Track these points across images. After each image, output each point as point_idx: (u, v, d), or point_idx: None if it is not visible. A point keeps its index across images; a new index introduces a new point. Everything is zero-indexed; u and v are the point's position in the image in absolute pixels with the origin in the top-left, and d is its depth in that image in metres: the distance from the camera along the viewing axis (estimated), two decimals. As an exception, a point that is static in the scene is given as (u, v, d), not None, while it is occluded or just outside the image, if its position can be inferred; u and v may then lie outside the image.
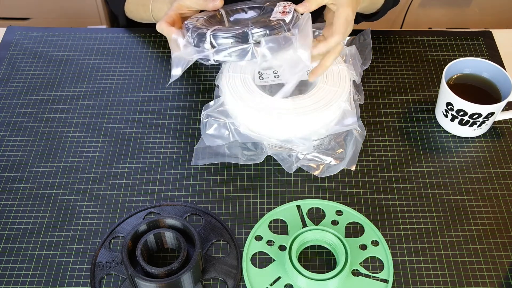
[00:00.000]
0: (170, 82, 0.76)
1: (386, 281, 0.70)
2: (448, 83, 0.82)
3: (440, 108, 0.84)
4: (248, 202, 0.77)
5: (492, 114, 0.79)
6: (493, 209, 0.77)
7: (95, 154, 0.83)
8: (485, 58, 0.91)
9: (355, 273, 0.70)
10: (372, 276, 0.70)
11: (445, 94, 0.81)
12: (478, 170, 0.81)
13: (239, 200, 0.77)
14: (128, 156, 0.82)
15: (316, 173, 0.79)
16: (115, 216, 0.76)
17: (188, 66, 0.72)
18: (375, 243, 0.73)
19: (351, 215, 0.76)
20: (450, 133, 0.85)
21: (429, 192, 0.78)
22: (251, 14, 0.77)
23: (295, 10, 0.72)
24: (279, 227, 0.75)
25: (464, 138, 0.84)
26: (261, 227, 0.75)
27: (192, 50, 0.70)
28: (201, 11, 0.78)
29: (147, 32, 0.99)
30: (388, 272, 0.70)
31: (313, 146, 0.78)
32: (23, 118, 0.87)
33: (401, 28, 1.80)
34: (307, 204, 0.77)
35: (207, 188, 0.79)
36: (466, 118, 0.80)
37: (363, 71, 0.85)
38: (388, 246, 0.73)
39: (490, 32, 0.99)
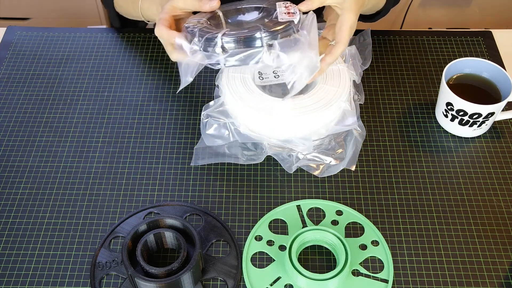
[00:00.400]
0: (180, 89, 0.74)
1: (386, 281, 0.70)
2: (448, 83, 0.82)
3: (440, 108, 0.84)
4: (248, 202, 0.77)
5: (492, 114, 0.79)
6: (493, 209, 0.77)
7: (95, 154, 0.83)
8: (485, 58, 0.91)
9: (355, 273, 0.70)
10: (372, 276, 0.70)
11: (445, 94, 0.81)
12: (478, 170, 0.81)
13: (239, 200, 0.77)
14: (128, 156, 0.82)
15: (316, 173, 0.79)
16: (115, 216, 0.76)
17: (198, 72, 0.71)
18: (375, 243, 0.73)
19: (351, 215, 0.76)
20: (450, 133, 0.85)
21: (429, 192, 0.78)
22: (251, 15, 0.76)
23: (299, 9, 0.71)
24: (279, 227, 0.75)
25: (464, 138, 0.84)
26: (261, 227, 0.75)
27: (202, 55, 0.68)
28: (195, 12, 0.76)
29: (147, 32, 0.99)
30: (388, 272, 0.71)
31: (313, 146, 0.78)
32: (23, 118, 0.87)
33: (401, 28, 1.80)
34: (307, 204, 0.77)
35: (207, 188, 0.79)
36: (466, 118, 0.80)
37: (363, 71, 0.85)
38: (388, 246, 0.73)
39: (490, 32, 0.99)
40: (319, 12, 1.16)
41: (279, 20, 0.70)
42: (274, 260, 0.72)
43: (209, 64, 0.69)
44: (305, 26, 0.70)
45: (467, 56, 0.95)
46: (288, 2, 0.73)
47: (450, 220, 0.76)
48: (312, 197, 0.78)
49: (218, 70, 0.83)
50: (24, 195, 0.78)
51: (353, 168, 0.80)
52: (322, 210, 0.76)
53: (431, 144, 0.84)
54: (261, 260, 0.72)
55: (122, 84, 0.91)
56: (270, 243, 0.73)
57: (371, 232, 0.74)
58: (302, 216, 0.76)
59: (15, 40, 0.99)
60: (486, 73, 0.84)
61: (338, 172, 0.80)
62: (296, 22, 0.70)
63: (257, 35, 0.67)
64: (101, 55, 0.96)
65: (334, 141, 0.80)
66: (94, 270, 0.71)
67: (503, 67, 0.92)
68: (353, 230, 0.75)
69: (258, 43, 0.67)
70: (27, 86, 0.91)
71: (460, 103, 0.79)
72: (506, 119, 0.86)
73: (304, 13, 0.72)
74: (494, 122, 0.85)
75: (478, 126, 0.82)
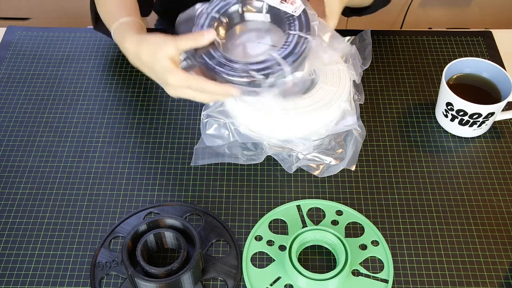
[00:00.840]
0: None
1: (386, 281, 0.70)
2: (448, 83, 0.82)
3: (440, 108, 0.84)
4: (248, 202, 0.77)
5: (492, 114, 0.79)
6: (493, 209, 0.77)
7: (95, 154, 0.83)
8: (485, 58, 0.91)
9: (355, 273, 0.70)
10: (372, 276, 0.70)
11: (445, 94, 0.81)
12: (478, 170, 0.81)
13: (239, 200, 0.77)
14: (128, 156, 0.82)
15: (316, 173, 0.79)
16: (115, 216, 0.76)
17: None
18: (375, 243, 0.73)
19: (351, 215, 0.76)
20: (450, 133, 0.85)
21: (429, 192, 0.78)
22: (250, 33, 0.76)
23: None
24: (279, 227, 0.75)
25: (464, 138, 0.84)
26: (261, 227, 0.75)
27: (244, 89, 0.68)
28: None
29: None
30: (388, 272, 0.70)
31: (313, 146, 0.78)
32: (23, 118, 0.87)
33: (401, 28, 1.80)
34: (307, 204, 0.77)
35: (207, 188, 0.79)
36: (466, 118, 0.80)
37: (363, 71, 0.85)
38: (388, 246, 0.73)
39: (490, 32, 0.99)
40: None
41: (290, 33, 0.70)
42: (274, 260, 0.72)
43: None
44: (308, 25, 0.71)
45: (467, 56, 0.95)
46: None
47: (450, 220, 0.76)
48: (312, 197, 0.78)
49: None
50: (24, 195, 0.78)
51: (353, 168, 0.80)
52: (322, 210, 0.76)
53: (431, 144, 0.84)
54: (261, 260, 0.72)
55: (122, 84, 0.91)
56: (270, 243, 0.73)
57: (371, 232, 0.74)
58: (302, 216, 0.76)
59: (15, 40, 0.99)
60: (486, 73, 0.84)
61: (338, 172, 0.80)
62: (299, 12, 0.71)
63: (276, 66, 0.67)
64: (101, 55, 0.96)
65: (334, 141, 0.80)
66: (94, 270, 0.71)
67: (503, 67, 0.92)
68: (353, 230, 0.75)
69: (280, 74, 0.68)
70: (27, 86, 0.91)
71: (460, 103, 0.79)
72: (506, 119, 0.86)
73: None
74: (494, 122, 0.85)
75: (478, 126, 0.82)
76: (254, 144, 0.80)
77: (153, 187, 0.79)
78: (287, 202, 0.77)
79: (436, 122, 0.86)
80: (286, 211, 0.76)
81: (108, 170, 0.81)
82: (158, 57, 0.67)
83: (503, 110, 0.83)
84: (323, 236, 0.71)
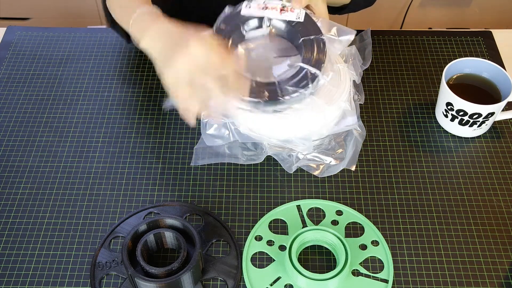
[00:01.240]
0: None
1: (386, 281, 0.70)
2: (448, 83, 0.82)
3: (440, 108, 0.84)
4: (248, 202, 0.77)
5: (492, 114, 0.79)
6: (493, 209, 0.77)
7: (95, 154, 0.83)
8: (485, 58, 0.91)
9: (355, 273, 0.70)
10: (372, 276, 0.70)
11: (445, 94, 0.81)
12: (478, 170, 0.81)
13: (239, 200, 0.77)
14: (128, 156, 0.82)
15: (316, 173, 0.79)
16: (115, 216, 0.76)
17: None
18: (375, 243, 0.73)
19: (351, 215, 0.76)
20: (450, 133, 0.85)
21: (429, 192, 0.78)
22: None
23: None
24: (279, 227, 0.75)
25: (464, 138, 0.84)
26: (261, 227, 0.75)
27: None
28: None
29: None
30: (388, 272, 0.70)
31: (313, 146, 0.78)
32: (23, 118, 0.87)
33: (401, 28, 1.80)
34: (307, 204, 0.77)
35: (207, 188, 0.79)
36: (466, 118, 0.80)
37: (363, 71, 0.85)
38: (388, 246, 0.73)
39: (490, 32, 0.99)
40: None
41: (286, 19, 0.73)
42: (274, 260, 0.72)
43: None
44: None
45: (467, 56, 0.95)
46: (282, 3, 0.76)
47: (450, 220, 0.76)
48: (312, 197, 0.78)
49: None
50: (24, 195, 0.78)
51: (353, 168, 0.80)
52: (322, 210, 0.76)
53: (431, 144, 0.84)
54: (261, 260, 0.72)
55: (122, 84, 0.91)
56: (270, 243, 0.73)
57: (371, 232, 0.74)
58: (302, 216, 0.76)
59: (15, 40, 0.99)
60: (486, 73, 0.84)
61: (338, 172, 0.80)
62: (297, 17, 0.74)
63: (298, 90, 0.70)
64: (101, 55, 0.96)
65: (334, 141, 0.80)
66: (94, 270, 0.71)
67: (503, 67, 0.92)
68: (353, 230, 0.75)
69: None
70: (27, 86, 0.91)
71: (460, 103, 0.79)
72: (506, 119, 0.86)
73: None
74: (494, 122, 0.85)
75: (478, 126, 0.82)
76: (254, 144, 0.80)
77: (153, 187, 0.79)
78: (287, 202, 0.77)
79: (436, 122, 0.86)
80: (286, 211, 0.76)
81: (108, 170, 0.81)
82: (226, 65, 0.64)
83: (503, 110, 0.83)
84: (323, 236, 0.71)
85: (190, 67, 0.63)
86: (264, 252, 0.72)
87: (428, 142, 0.84)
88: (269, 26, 0.77)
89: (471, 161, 0.82)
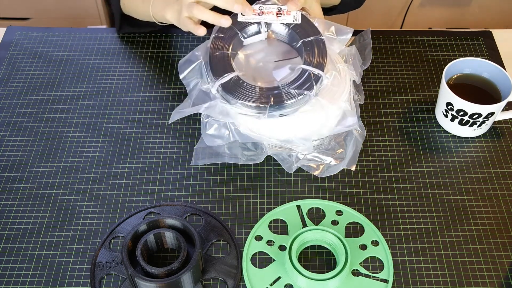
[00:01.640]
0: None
1: (386, 281, 0.70)
2: (448, 83, 0.82)
3: (440, 108, 0.84)
4: (248, 202, 0.77)
5: (492, 114, 0.79)
6: (493, 209, 0.77)
7: (95, 154, 0.83)
8: (485, 58, 0.91)
9: (355, 273, 0.70)
10: (372, 276, 0.70)
11: (445, 94, 0.81)
12: (478, 170, 0.81)
13: (239, 200, 0.77)
14: (128, 156, 0.82)
15: (316, 173, 0.79)
16: (115, 216, 0.76)
17: None
18: (375, 243, 0.73)
19: (351, 215, 0.76)
20: (450, 133, 0.85)
21: (429, 192, 0.78)
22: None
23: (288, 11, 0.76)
24: (279, 227, 0.75)
25: (464, 138, 0.84)
26: (261, 227, 0.75)
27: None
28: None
29: (147, 32, 0.99)
30: (388, 272, 0.71)
31: (313, 146, 0.78)
32: (23, 118, 0.87)
33: (401, 28, 1.80)
34: (307, 204, 0.77)
35: (207, 188, 0.79)
36: (466, 118, 0.80)
37: (363, 71, 0.85)
38: (388, 246, 0.73)
39: (490, 32, 0.99)
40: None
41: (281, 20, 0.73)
42: (274, 260, 0.72)
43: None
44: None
45: (467, 56, 0.95)
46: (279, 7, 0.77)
47: (450, 220, 0.76)
48: (312, 197, 0.78)
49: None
50: (24, 195, 0.78)
51: (353, 168, 0.80)
52: (322, 210, 0.76)
53: (431, 144, 0.84)
54: (261, 260, 0.72)
55: (122, 84, 0.91)
56: (270, 243, 0.73)
57: (371, 232, 0.74)
58: (302, 216, 0.76)
59: (15, 40, 0.99)
60: (486, 73, 0.84)
61: (338, 172, 0.80)
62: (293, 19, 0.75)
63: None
64: (101, 55, 0.96)
65: (334, 141, 0.80)
66: (94, 270, 0.71)
67: (503, 67, 0.92)
68: (353, 230, 0.75)
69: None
70: (27, 86, 0.91)
71: (460, 103, 0.79)
72: (506, 119, 0.86)
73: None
74: (494, 122, 0.85)
75: (478, 126, 0.82)
76: (254, 144, 0.80)
77: (153, 187, 0.79)
78: (287, 202, 0.77)
79: (436, 122, 0.86)
80: (286, 211, 0.76)
81: (108, 170, 0.81)
82: None
83: (503, 110, 0.83)
84: (323, 236, 0.71)
85: None
86: (264, 252, 0.72)
87: (428, 142, 0.84)
88: (267, 30, 0.77)
89: (471, 161, 0.82)
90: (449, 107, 0.81)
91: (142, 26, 0.96)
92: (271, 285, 0.69)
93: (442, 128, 0.85)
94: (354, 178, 0.80)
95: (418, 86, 0.91)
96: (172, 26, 0.84)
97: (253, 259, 0.72)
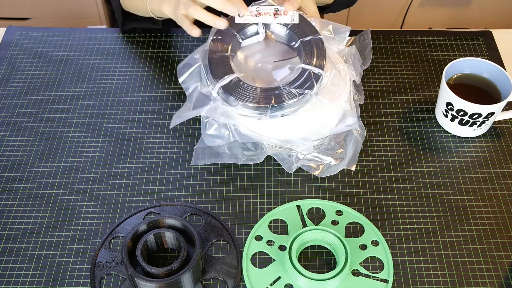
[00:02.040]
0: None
1: (386, 281, 0.70)
2: (448, 83, 0.82)
3: (440, 108, 0.84)
4: (248, 202, 0.77)
5: (492, 114, 0.79)
6: (493, 209, 0.77)
7: (95, 154, 0.83)
8: (485, 58, 0.91)
9: (355, 273, 0.70)
10: (372, 276, 0.70)
11: (445, 94, 0.81)
12: (478, 170, 0.81)
13: (239, 200, 0.77)
14: (128, 156, 0.82)
15: (316, 173, 0.79)
16: (115, 216, 0.76)
17: None
18: (375, 243, 0.73)
19: (351, 215, 0.76)
20: (450, 133, 0.85)
21: (429, 192, 0.78)
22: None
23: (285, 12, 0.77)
24: (279, 227, 0.75)
25: (464, 138, 0.84)
26: (261, 227, 0.75)
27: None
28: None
29: (147, 32, 0.99)
30: (388, 272, 0.71)
31: (313, 146, 0.78)
32: (23, 118, 0.87)
33: (401, 28, 1.81)
34: (307, 204, 0.77)
35: (207, 188, 0.79)
36: (466, 118, 0.80)
37: (363, 71, 0.85)
38: (388, 246, 0.73)
39: (490, 32, 0.99)
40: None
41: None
42: (274, 260, 0.72)
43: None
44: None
45: (467, 56, 0.95)
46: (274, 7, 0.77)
47: (450, 220, 0.76)
48: (312, 197, 0.78)
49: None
50: (24, 195, 0.78)
51: (353, 168, 0.80)
52: (322, 210, 0.76)
53: (431, 144, 0.84)
54: (261, 260, 0.72)
55: (122, 84, 0.91)
56: (270, 243, 0.73)
57: (371, 232, 0.74)
58: (302, 216, 0.76)
59: (15, 40, 0.99)
60: (486, 73, 0.84)
61: (338, 172, 0.80)
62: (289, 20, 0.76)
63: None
64: (101, 55, 0.96)
65: (334, 141, 0.80)
66: (94, 270, 0.71)
67: (503, 67, 0.92)
68: (353, 230, 0.75)
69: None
70: (27, 86, 0.91)
71: (460, 103, 0.79)
72: (506, 119, 0.86)
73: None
74: (494, 122, 0.85)
75: (478, 126, 0.82)
76: (254, 144, 0.80)
77: (153, 187, 0.79)
78: (287, 202, 0.77)
79: (436, 122, 0.86)
80: (286, 211, 0.76)
81: (108, 170, 0.81)
82: None
83: (503, 110, 0.83)
84: (323, 236, 0.71)
85: None
86: (264, 252, 0.72)
87: (428, 142, 0.84)
88: (265, 31, 0.77)
89: (471, 161, 0.82)
90: (449, 107, 0.81)
91: (143, 21, 0.96)
92: (271, 285, 0.69)
93: (442, 128, 0.85)
94: (354, 178, 0.80)
95: (418, 86, 0.91)
96: (172, 25, 0.84)
97: (253, 259, 0.72)
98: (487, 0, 1.78)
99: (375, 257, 0.72)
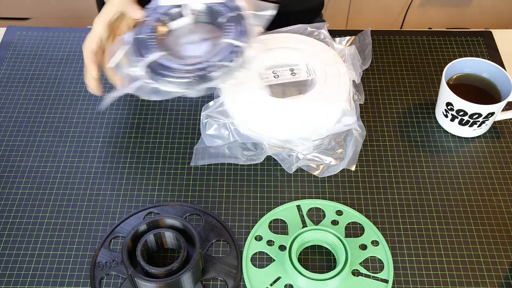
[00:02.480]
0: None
1: (386, 281, 0.70)
2: (448, 83, 0.82)
3: (440, 108, 0.84)
4: (248, 202, 0.77)
5: (492, 114, 0.79)
6: (493, 209, 0.77)
7: (95, 154, 0.83)
8: (485, 58, 0.91)
9: (355, 273, 0.70)
10: (372, 276, 0.70)
11: (445, 94, 0.81)
12: (478, 170, 0.81)
13: (239, 200, 0.77)
14: (128, 156, 0.82)
15: (316, 173, 0.79)
16: (115, 216, 0.76)
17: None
18: (375, 243, 0.73)
19: (351, 215, 0.76)
20: (450, 133, 0.85)
21: (429, 192, 0.78)
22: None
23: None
24: (279, 227, 0.75)
25: (464, 138, 0.84)
26: (261, 227, 0.75)
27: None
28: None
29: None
30: (388, 272, 0.71)
31: (313, 146, 0.78)
32: (23, 118, 0.87)
33: (401, 28, 1.81)
34: (307, 204, 0.77)
35: (207, 188, 0.79)
36: (466, 118, 0.80)
37: (363, 71, 0.85)
38: (388, 246, 0.73)
39: (490, 32, 0.99)
40: (318, 11, 1.16)
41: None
42: (274, 260, 0.72)
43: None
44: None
45: (467, 56, 0.95)
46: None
47: (450, 220, 0.76)
48: (312, 197, 0.78)
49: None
50: (24, 195, 0.78)
51: (353, 168, 0.80)
52: (322, 210, 0.76)
53: (431, 144, 0.84)
54: (261, 260, 0.72)
55: (122, 84, 0.91)
56: (270, 243, 0.73)
57: (371, 232, 0.74)
58: (302, 216, 0.76)
59: (15, 40, 0.99)
60: (486, 73, 0.84)
61: (338, 172, 0.80)
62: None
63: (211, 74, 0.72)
64: (101, 55, 0.95)
65: (334, 141, 0.80)
66: (94, 270, 0.71)
67: (503, 67, 0.92)
68: (353, 230, 0.75)
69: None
70: (27, 86, 0.91)
71: (460, 103, 0.79)
72: (506, 119, 0.86)
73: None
74: (494, 122, 0.85)
75: (478, 126, 0.82)
76: (254, 144, 0.80)
77: (153, 187, 0.79)
78: (287, 202, 0.77)
79: (436, 122, 0.86)
80: (286, 211, 0.76)
81: (108, 170, 0.81)
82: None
83: (503, 110, 0.83)
84: (323, 236, 0.71)
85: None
86: (264, 252, 0.72)
87: (428, 142, 0.84)
88: (191, 12, 0.78)
89: (471, 161, 0.82)
90: (449, 107, 0.81)
91: None
92: (271, 285, 0.69)
93: (442, 128, 0.85)
94: (354, 178, 0.80)
95: (418, 86, 0.91)
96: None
97: (253, 259, 0.72)
98: (487, 0, 1.77)
99: (375, 257, 0.72)
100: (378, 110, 0.88)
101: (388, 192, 0.78)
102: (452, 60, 0.84)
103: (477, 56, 0.95)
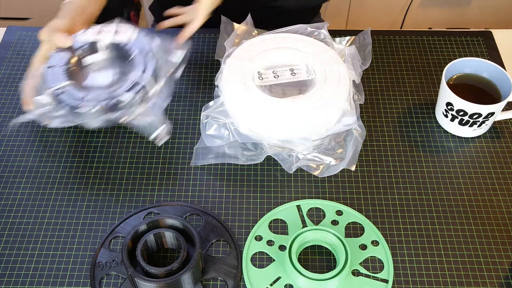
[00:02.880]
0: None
1: (386, 281, 0.70)
2: (448, 83, 0.82)
3: (440, 108, 0.84)
4: (248, 202, 0.77)
5: (492, 114, 0.79)
6: (493, 209, 0.77)
7: (95, 154, 0.83)
8: (485, 58, 0.91)
9: (355, 273, 0.70)
10: (372, 276, 0.70)
11: (445, 94, 0.81)
12: (478, 170, 0.81)
13: (239, 200, 0.77)
14: (128, 156, 0.82)
15: (316, 173, 0.79)
16: (115, 216, 0.76)
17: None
18: (375, 243, 0.73)
19: (351, 215, 0.76)
20: (450, 133, 0.85)
21: (429, 192, 0.78)
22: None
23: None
24: (279, 227, 0.75)
25: (464, 138, 0.84)
26: (261, 227, 0.75)
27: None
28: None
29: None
30: (388, 272, 0.71)
31: (313, 146, 0.78)
32: (23, 118, 0.87)
33: (401, 28, 1.81)
34: (307, 204, 0.77)
35: (207, 188, 0.79)
36: (466, 118, 0.80)
37: (363, 71, 0.85)
38: (388, 246, 0.73)
39: (490, 32, 0.99)
40: (316, 12, 1.16)
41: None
42: (274, 260, 0.72)
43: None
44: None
45: (467, 56, 0.95)
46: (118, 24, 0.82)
47: (450, 220, 0.76)
48: (312, 197, 0.78)
49: (218, 70, 0.83)
50: (24, 195, 0.78)
51: (353, 168, 0.80)
52: (322, 210, 0.76)
53: (431, 144, 0.84)
54: (261, 260, 0.72)
55: (122, 84, 0.91)
56: (270, 243, 0.73)
57: (371, 232, 0.74)
58: (302, 216, 0.76)
59: (15, 40, 0.99)
60: (486, 73, 0.84)
61: (338, 172, 0.80)
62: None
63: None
64: (101, 55, 0.96)
65: (334, 141, 0.80)
66: (94, 270, 0.71)
67: (503, 67, 0.92)
68: (353, 230, 0.75)
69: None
70: (27, 86, 0.91)
71: (460, 103, 0.79)
72: (506, 119, 0.86)
73: None
74: (494, 122, 0.85)
75: (478, 126, 0.82)
76: (254, 144, 0.80)
77: (153, 187, 0.79)
78: (287, 202, 0.77)
79: (436, 122, 0.86)
80: (286, 211, 0.76)
81: (108, 170, 0.81)
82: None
83: (503, 110, 0.83)
84: (323, 236, 0.71)
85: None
86: (264, 252, 0.72)
87: (428, 142, 0.84)
88: (106, 49, 0.82)
89: (471, 161, 0.82)
90: (449, 107, 0.81)
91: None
92: (271, 285, 0.69)
93: (442, 128, 0.85)
94: (354, 178, 0.80)
95: (418, 86, 0.91)
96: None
97: (253, 259, 0.72)
98: (487, 0, 1.77)
99: (375, 257, 0.72)
100: (378, 110, 0.88)
101: (388, 192, 0.78)
102: (452, 60, 0.84)
103: (477, 56, 0.95)
